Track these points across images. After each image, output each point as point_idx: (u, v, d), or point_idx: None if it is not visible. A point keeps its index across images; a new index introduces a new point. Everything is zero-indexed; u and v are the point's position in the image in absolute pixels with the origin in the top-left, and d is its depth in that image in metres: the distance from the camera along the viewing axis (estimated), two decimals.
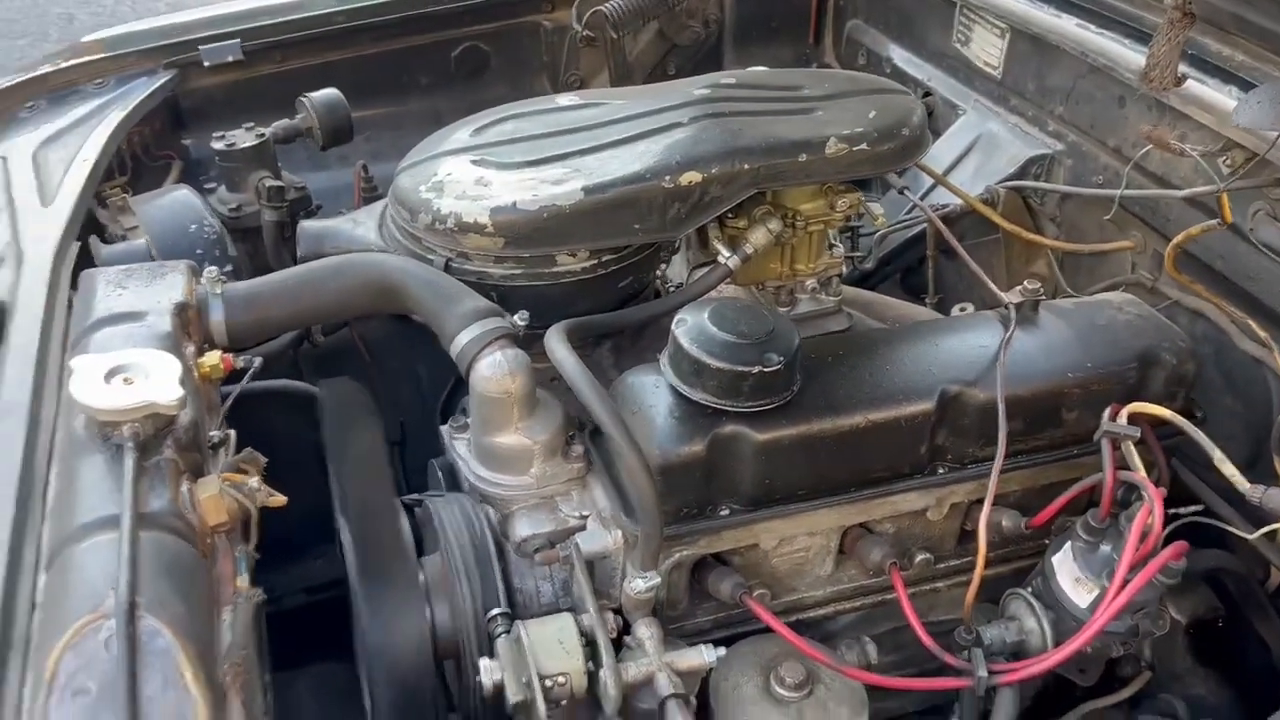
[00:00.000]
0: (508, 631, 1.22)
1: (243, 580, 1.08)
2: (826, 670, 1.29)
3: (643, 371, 1.35)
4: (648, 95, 1.65)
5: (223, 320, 1.35)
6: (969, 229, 1.95)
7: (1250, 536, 1.28)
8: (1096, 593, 1.29)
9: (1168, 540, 1.25)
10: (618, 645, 1.24)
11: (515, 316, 1.37)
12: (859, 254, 1.88)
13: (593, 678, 1.18)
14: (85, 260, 1.59)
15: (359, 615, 1.30)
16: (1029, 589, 1.38)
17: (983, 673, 1.27)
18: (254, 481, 1.11)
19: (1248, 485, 1.25)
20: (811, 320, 1.69)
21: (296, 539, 1.50)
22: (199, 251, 1.72)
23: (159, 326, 1.25)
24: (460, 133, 1.60)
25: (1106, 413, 1.32)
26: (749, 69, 1.88)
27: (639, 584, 1.24)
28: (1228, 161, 1.54)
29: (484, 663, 1.19)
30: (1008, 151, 2.03)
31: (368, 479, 1.40)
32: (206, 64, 2.15)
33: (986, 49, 2.14)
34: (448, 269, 1.48)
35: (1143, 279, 1.79)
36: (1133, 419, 1.31)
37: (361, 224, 1.64)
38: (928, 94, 2.29)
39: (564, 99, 1.70)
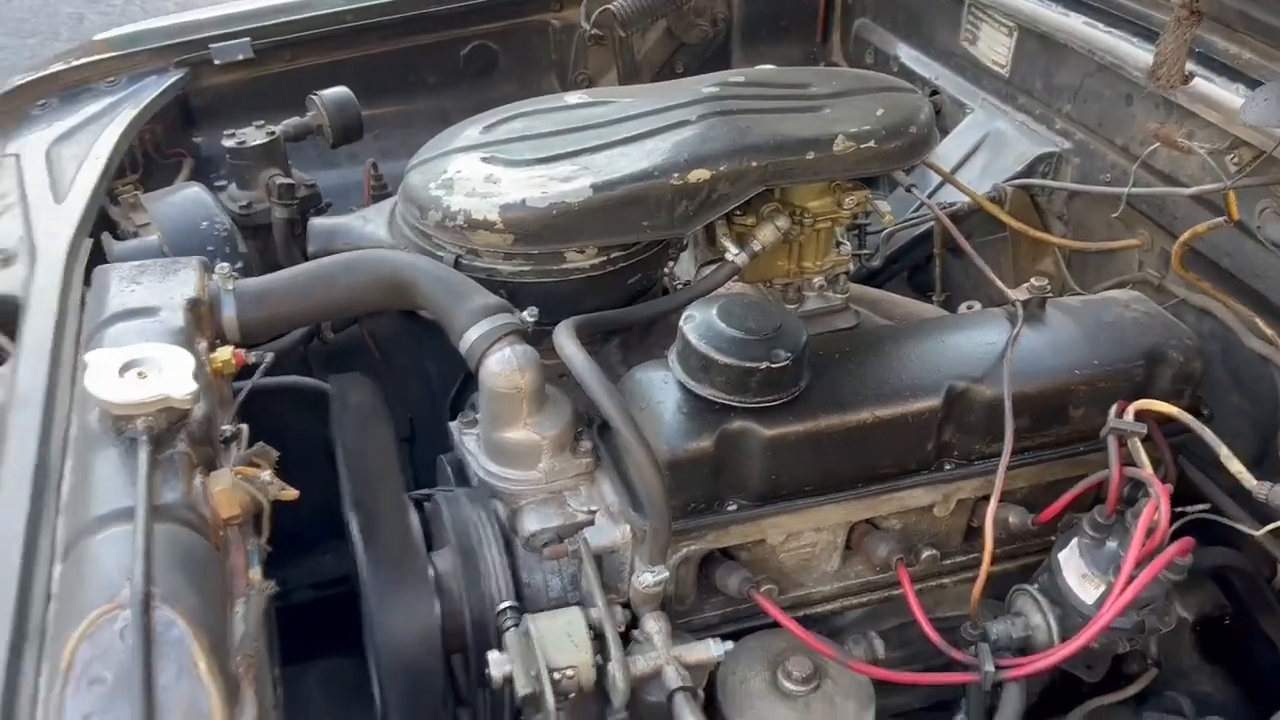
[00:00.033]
0: (516, 625, 1.23)
1: (255, 573, 1.09)
2: (834, 665, 1.29)
3: (651, 367, 1.36)
4: (656, 93, 1.66)
5: (235, 316, 1.36)
6: (976, 227, 1.95)
7: (1257, 533, 1.28)
8: (1103, 589, 1.29)
9: (1174, 537, 1.25)
10: (626, 639, 1.25)
11: (524, 313, 1.38)
12: (866, 252, 1.89)
13: (601, 671, 1.19)
14: (98, 257, 1.60)
15: (369, 609, 1.31)
16: (1035, 585, 1.38)
17: (989, 667, 1.28)
18: (266, 475, 1.12)
19: (1254, 482, 1.25)
20: (819, 317, 1.70)
21: (306, 534, 1.51)
22: (210, 248, 1.73)
23: (172, 322, 1.26)
24: (470, 130, 1.61)
25: (1113, 409, 1.32)
26: (757, 67, 1.88)
27: (647, 578, 1.25)
28: (1235, 159, 1.54)
29: (493, 655, 1.20)
30: (1015, 150, 2.03)
31: (377, 473, 1.41)
32: (217, 62, 2.16)
33: (994, 47, 2.14)
34: (457, 266, 1.48)
35: (1150, 277, 1.80)
36: (1139, 416, 1.31)
37: (371, 221, 1.66)
38: (935, 92, 2.29)
39: (572, 97, 1.71)
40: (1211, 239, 1.60)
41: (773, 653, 1.30)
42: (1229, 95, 1.58)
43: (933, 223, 1.99)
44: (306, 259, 1.68)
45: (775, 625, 1.32)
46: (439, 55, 2.39)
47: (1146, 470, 1.28)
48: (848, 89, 1.64)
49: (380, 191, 1.98)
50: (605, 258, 1.52)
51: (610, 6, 2.33)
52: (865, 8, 2.61)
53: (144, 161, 2.06)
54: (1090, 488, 1.36)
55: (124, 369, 1.10)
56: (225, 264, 1.42)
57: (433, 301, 1.40)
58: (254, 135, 1.91)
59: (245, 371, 1.36)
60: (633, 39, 2.47)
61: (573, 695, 1.18)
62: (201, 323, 1.32)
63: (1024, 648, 1.35)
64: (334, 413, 1.53)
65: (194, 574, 0.97)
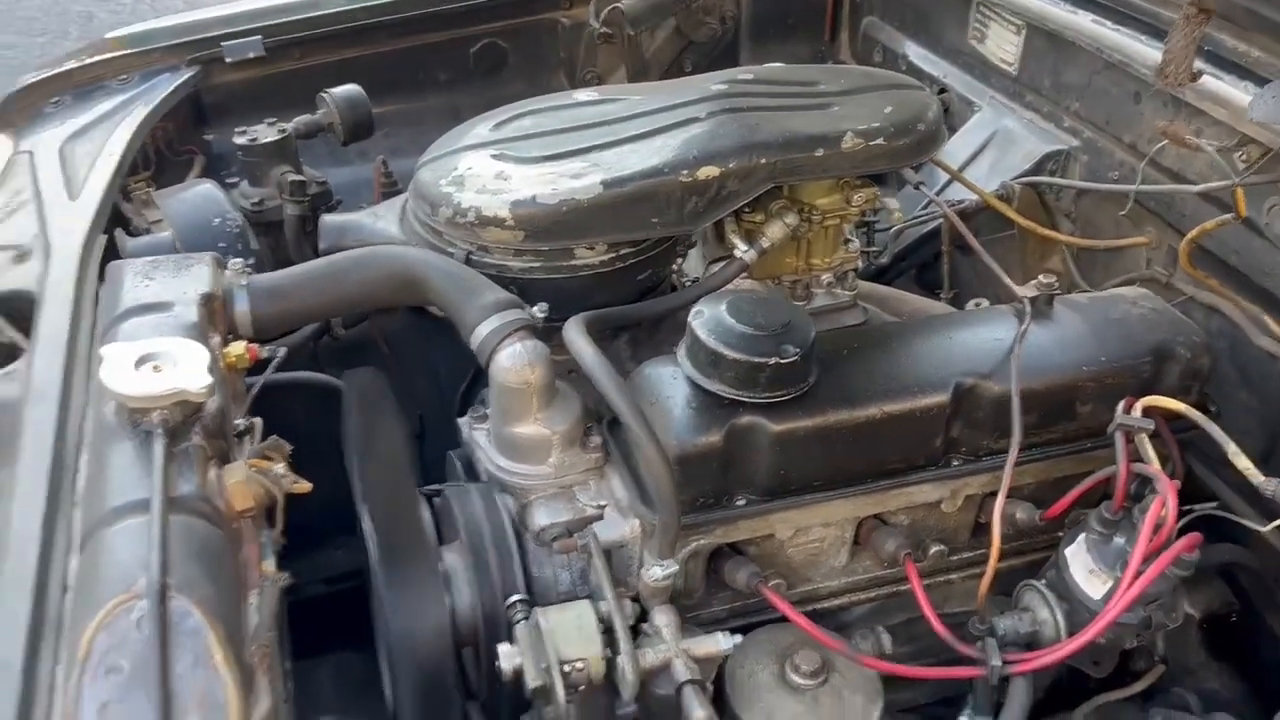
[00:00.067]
0: (526, 618, 1.23)
1: (269, 565, 1.10)
2: (842, 659, 1.30)
3: (660, 363, 1.37)
4: (665, 91, 1.67)
5: (248, 311, 1.37)
6: (984, 225, 1.95)
7: (1264, 530, 1.28)
8: (1110, 584, 1.29)
9: (1181, 534, 1.26)
10: (635, 633, 1.26)
11: (535, 308, 1.39)
12: (875, 249, 1.89)
13: (610, 663, 1.20)
14: (111, 253, 1.62)
15: (381, 602, 1.32)
16: (1042, 580, 1.38)
17: (996, 662, 1.29)
18: (280, 468, 1.13)
19: (1262, 478, 1.25)
20: (827, 314, 1.70)
21: (316, 529, 1.53)
22: (222, 245, 1.75)
23: (186, 317, 1.27)
24: (480, 128, 1.62)
25: (1121, 405, 1.32)
26: (765, 65, 1.89)
27: (656, 572, 1.26)
28: (1243, 156, 1.54)
29: (503, 648, 1.21)
30: (1023, 148, 2.04)
31: (389, 468, 1.42)
32: (228, 60, 2.18)
33: (1003, 45, 2.14)
34: (468, 262, 1.49)
35: (1157, 275, 1.80)
36: (1147, 412, 1.31)
37: (382, 218, 1.67)
38: (943, 90, 2.29)
39: (582, 95, 1.71)
40: (1219, 236, 1.60)
41: (781, 647, 1.31)
42: (1237, 93, 1.58)
43: (941, 221, 1.99)
44: (317, 255, 1.69)
45: (783, 620, 1.32)
46: (449, 53, 2.41)
47: (1154, 466, 1.28)
48: (856, 87, 1.65)
49: (390, 189, 1.99)
50: (615, 254, 1.52)
51: (619, 5, 2.34)
52: (873, 6, 2.61)
53: (156, 159, 2.08)
54: (1098, 484, 1.36)
55: (139, 362, 1.11)
56: (238, 260, 1.43)
57: (444, 297, 1.41)
58: (266, 133, 1.92)
59: (258, 366, 1.37)
60: (641, 37, 2.48)
61: (582, 688, 1.19)
62: (215, 318, 1.33)
63: (1031, 643, 1.35)
64: (346, 407, 1.54)
65: (209, 565, 0.99)
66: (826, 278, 1.70)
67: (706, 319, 1.31)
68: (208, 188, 1.86)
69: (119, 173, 1.80)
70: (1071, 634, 1.31)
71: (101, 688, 0.88)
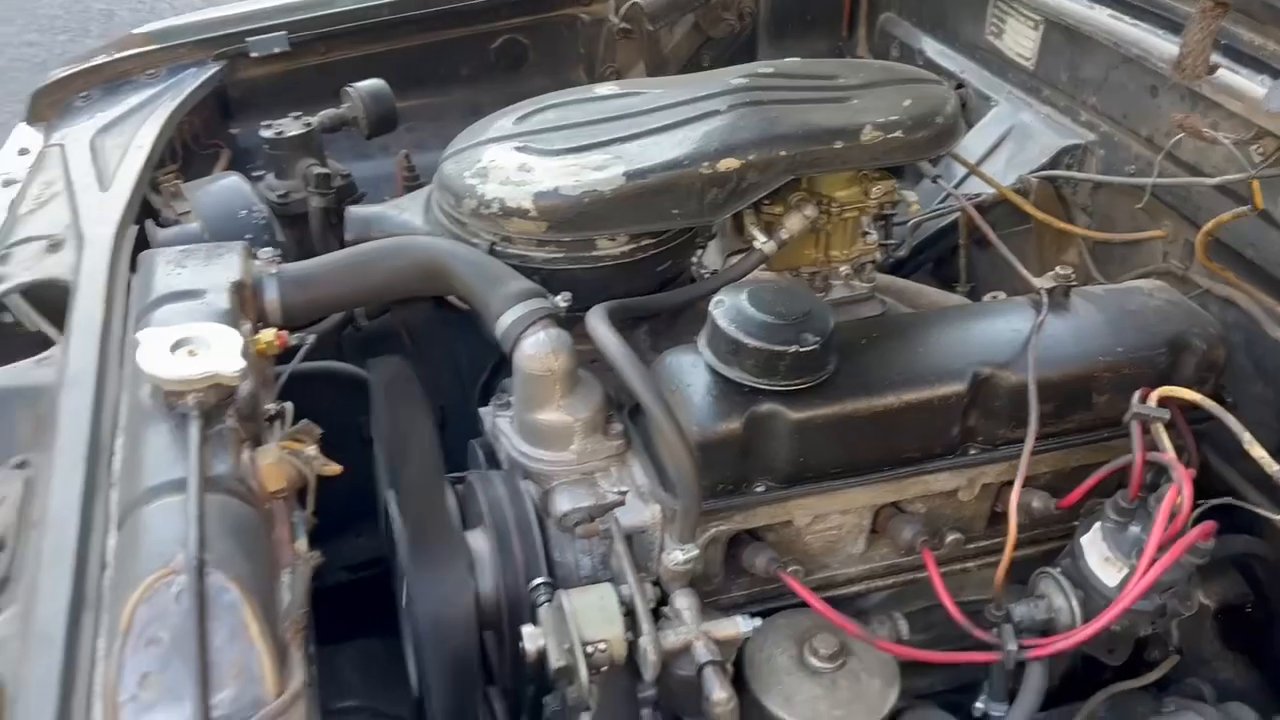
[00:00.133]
0: (550, 600, 1.25)
1: (301, 544, 1.13)
2: (859, 643, 1.32)
3: (681, 351, 1.39)
4: (686, 84, 1.69)
5: (277, 299, 1.40)
6: (1001, 219, 1.97)
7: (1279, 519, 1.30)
8: (1125, 572, 1.31)
9: (1196, 524, 1.27)
10: (656, 615, 1.28)
11: (558, 298, 1.41)
12: (893, 242, 1.91)
13: (632, 645, 1.22)
14: (142, 243, 1.65)
15: (407, 586, 1.35)
16: (1058, 568, 1.40)
17: (1012, 646, 1.30)
18: (311, 450, 1.16)
19: (1277, 468, 1.26)
20: (845, 306, 1.72)
21: (338, 518, 1.55)
22: (248, 236, 1.77)
23: (217, 304, 1.30)
24: (503, 121, 1.64)
25: (1136, 395, 1.33)
26: (785, 60, 1.91)
27: (678, 555, 1.27)
28: (1260, 149, 1.55)
29: (527, 629, 1.22)
30: (1040, 142, 2.05)
31: (415, 453, 1.44)
32: (254, 55, 2.20)
33: (1020, 40, 2.15)
34: (492, 253, 1.52)
35: (1173, 268, 1.81)
36: (1163, 402, 1.32)
37: (407, 209, 1.69)
38: (960, 85, 2.30)
39: (603, 88, 1.74)
40: (1235, 229, 1.61)
41: (799, 631, 1.33)
42: (1254, 86, 1.59)
43: (958, 215, 2.00)
44: (342, 247, 1.72)
45: (801, 606, 1.34)
46: (470, 49, 2.43)
47: (1169, 455, 1.29)
48: (875, 80, 1.67)
49: (412, 182, 2.01)
50: (636, 245, 1.55)
51: (639, 1, 2.36)
52: (890, 2, 2.62)
53: (182, 152, 2.11)
54: (1113, 473, 1.38)
55: (175, 347, 1.13)
56: (268, 249, 1.46)
57: (469, 286, 1.44)
58: (291, 126, 1.95)
59: (286, 354, 1.40)
60: (660, 33, 2.50)
61: (605, 668, 1.21)
62: (245, 305, 1.36)
63: (1046, 629, 1.36)
64: (372, 394, 1.57)
65: (244, 542, 1.01)
66: (845, 270, 1.72)
67: (727, 308, 1.33)
68: (235, 180, 1.89)
69: (149, 165, 1.83)
70: (1087, 621, 1.33)
71: (142, 658, 0.91)
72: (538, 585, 1.28)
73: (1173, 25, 1.78)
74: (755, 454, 1.32)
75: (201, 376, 1.10)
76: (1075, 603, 1.35)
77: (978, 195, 1.94)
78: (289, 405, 1.30)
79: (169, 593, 0.94)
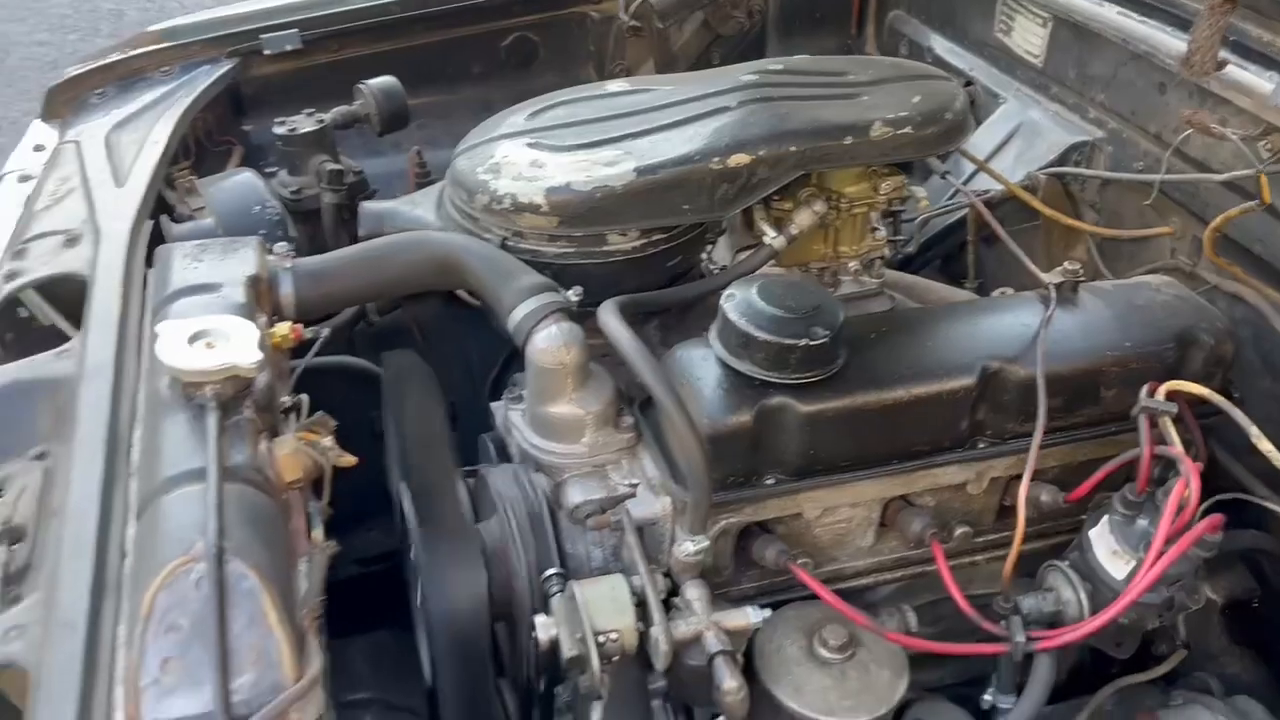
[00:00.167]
0: (562, 590, 1.27)
1: (317, 534, 1.14)
2: (868, 635, 1.32)
3: (692, 345, 1.40)
4: (697, 80, 1.70)
5: (292, 293, 1.41)
6: (1009, 216, 1.97)
7: None
8: (1133, 565, 1.31)
9: (1203, 517, 1.28)
10: (666, 606, 1.29)
11: (569, 292, 1.42)
12: (901, 238, 1.92)
13: (643, 636, 1.23)
14: (158, 238, 1.67)
15: (421, 576, 1.36)
16: (1066, 561, 1.40)
17: (1020, 638, 1.31)
18: (327, 441, 1.17)
19: None
20: (854, 302, 1.73)
21: (350, 512, 1.57)
22: (262, 232, 1.78)
23: (234, 297, 1.31)
24: (515, 117, 1.66)
25: (1145, 389, 1.34)
26: (794, 56, 1.92)
27: (689, 546, 1.29)
28: (1268, 145, 1.56)
29: (539, 619, 1.24)
30: (1048, 139, 2.06)
31: (428, 445, 1.46)
32: (267, 53, 2.22)
33: (1028, 38, 2.16)
34: (504, 248, 1.53)
35: (1182, 264, 1.81)
36: (1170, 397, 1.33)
37: (420, 205, 1.71)
38: (969, 83, 2.31)
39: (614, 85, 1.75)
40: (1243, 225, 1.62)
41: (809, 622, 1.33)
42: (1262, 82, 1.60)
43: (966, 211, 2.01)
44: (354, 243, 1.73)
45: (811, 598, 1.35)
46: (481, 46, 2.45)
47: (1177, 448, 1.30)
48: (884, 77, 1.68)
49: (424, 179, 2.03)
50: (647, 240, 1.56)
51: None
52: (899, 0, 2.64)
53: (195, 148, 2.13)
54: (1121, 467, 1.38)
55: (193, 339, 1.15)
56: (284, 243, 1.47)
57: (481, 281, 1.45)
58: (304, 123, 1.96)
59: (300, 348, 1.41)
60: (670, 31, 2.51)
61: (616, 658, 1.22)
62: (261, 299, 1.37)
63: (1054, 622, 1.37)
64: (386, 386, 1.58)
65: (263, 531, 1.03)
66: (854, 265, 1.73)
67: (738, 301, 1.34)
68: (248, 176, 1.91)
69: (163, 161, 1.85)
70: (1095, 613, 1.33)
71: (163, 644, 0.92)
72: (550, 576, 1.30)
73: (1181, 22, 1.79)
74: (765, 447, 1.33)
75: (219, 368, 1.12)
76: (1083, 595, 1.36)
77: (986, 192, 1.94)
78: (304, 397, 1.31)
79: (189, 580, 0.95)
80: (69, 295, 1.51)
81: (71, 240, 1.59)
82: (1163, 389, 1.33)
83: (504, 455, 1.54)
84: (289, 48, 2.23)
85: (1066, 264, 1.52)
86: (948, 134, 1.61)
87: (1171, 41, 1.78)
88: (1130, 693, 1.51)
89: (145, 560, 1.01)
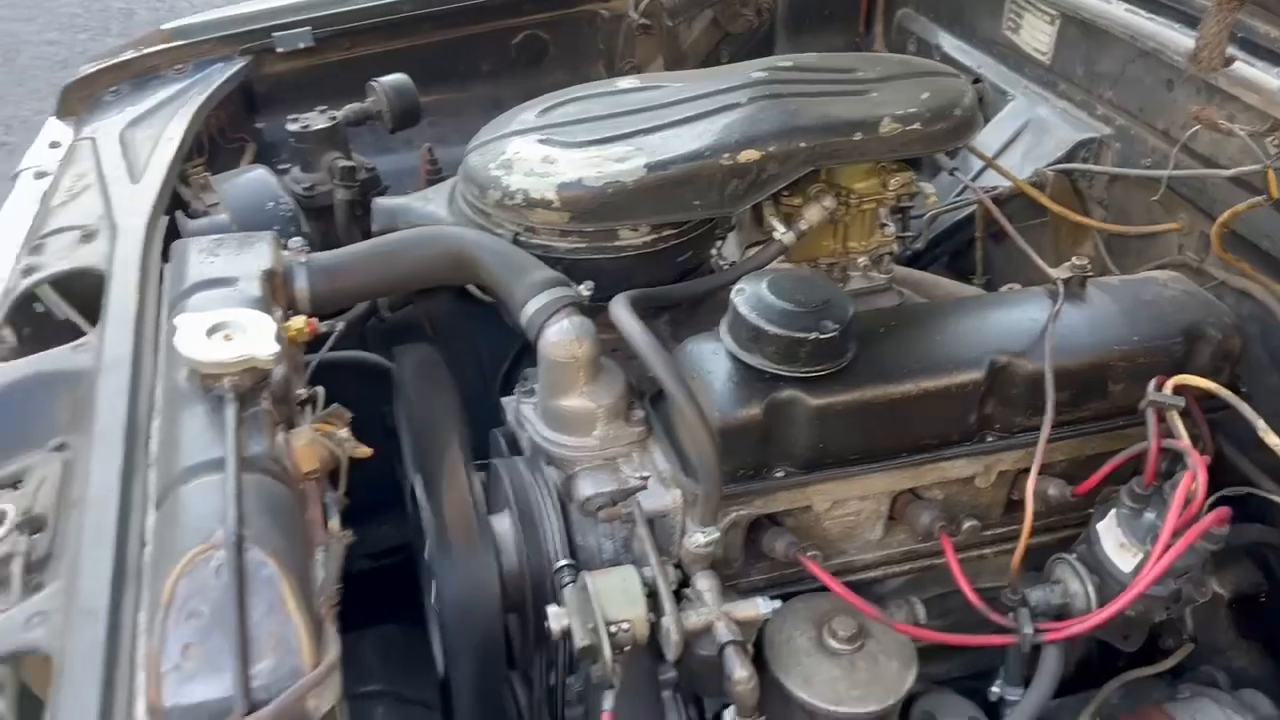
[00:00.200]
0: (574, 581, 1.28)
1: (334, 524, 1.16)
2: (877, 626, 1.34)
3: (702, 339, 1.41)
4: (707, 77, 1.71)
5: (307, 287, 1.43)
6: (1017, 212, 1.97)
7: None
8: (1140, 558, 1.32)
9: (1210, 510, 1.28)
10: (677, 596, 1.30)
11: (580, 287, 1.43)
12: (910, 234, 1.93)
13: (655, 626, 1.24)
14: (173, 233, 1.68)
15: (434, 568, 1.38)
16: (1074, 554, 1.42)
17: (1028, 630, 1.32)
18: (343, 433, 1.19)
19: None
20: (863, 297, 1.74)
21: (362, 506, 1.58)
22: (275, 228, 1.79)
23: (250, 291, 1.32)
24: (527, 114, 1.67)
25: (1152, 383, 1.35)
26: (804, 54, 1.93)
27: (699, 538, 1.30)
28: (1275, 141, 1.57)
29: (552, 609, 1.25)
30: (1056, 135, 2.07)
31: (440, 437, 1.47)
32: (279, 50, 2.24)
33: (1036, 35, 2.17)
34: (515, 243, 1.54)
35: (1189, 260, 1.82)
36: (1178, 391, 1.34)
37: (432, 201, 1.72)
38: (977, 80, 2.32)
39: (624, 82, 1.76)
40: (1251, 221, 1.63)
41: (818, 613, 1.34)
42: (1269, 78, 1.60)
43: (975, 206, 2.02)
44: (367, 238, 1.75)
45: (820, 590, 1.36)
46: (491, 44, 2.46)
47: (1185, 442, 1.31)
48: (893, 73, 1.69)
49: (435, 176, 2.04)
50: (657, 235, 1.57)
51: None
52: None
53: (209, 145, 2.15)
54: (1128, 460, 1.39)
55: (211, 331, 1.16)
56: (298, 239, 1.49)
57: (494, 275, 1.46)
58: (317, 120, 1.98)
59: (313, 344, 1.42)
60: (679, 29, 2.53)
61: (628, 648, 1.23)
62: (276, 293, 1.39)
63: (1062, 614, 1.38)
64: (398, 379, 1.60)
65: (281, 519, 1.04)
66: (863, 261, 1.74)
67: (748, 296, 1.35)
68: (261, 173, 1.93)
69: (178, 157, 1.86)
70: (1102, 606, 1.34)
71: (184, 630, 0.94)
72: (562, 567, 1.31)
73: (1189, 19, 1.79)
74: (775, 439, 1.34)
75: (237, 360, 1.13)
76: (1091, 588, 1.37)
77: (994, 188, 1.95)
78: (320, 390, 1.32)
79: (209, 567, 0.96)
80: (85, 290, 1.52)
81: (88, 236, 1.61)
82: (1170, 383, 1.34)
83: (515, 450, 1.55)
84: (301, 46, 2.24)
85: (1074, 259, 1.53)
86: (956, 130, 1.62)
87: (1179, 38, 1.79)
88: (1137, 686, 1.52)
89: (165, 548, 1.03)
